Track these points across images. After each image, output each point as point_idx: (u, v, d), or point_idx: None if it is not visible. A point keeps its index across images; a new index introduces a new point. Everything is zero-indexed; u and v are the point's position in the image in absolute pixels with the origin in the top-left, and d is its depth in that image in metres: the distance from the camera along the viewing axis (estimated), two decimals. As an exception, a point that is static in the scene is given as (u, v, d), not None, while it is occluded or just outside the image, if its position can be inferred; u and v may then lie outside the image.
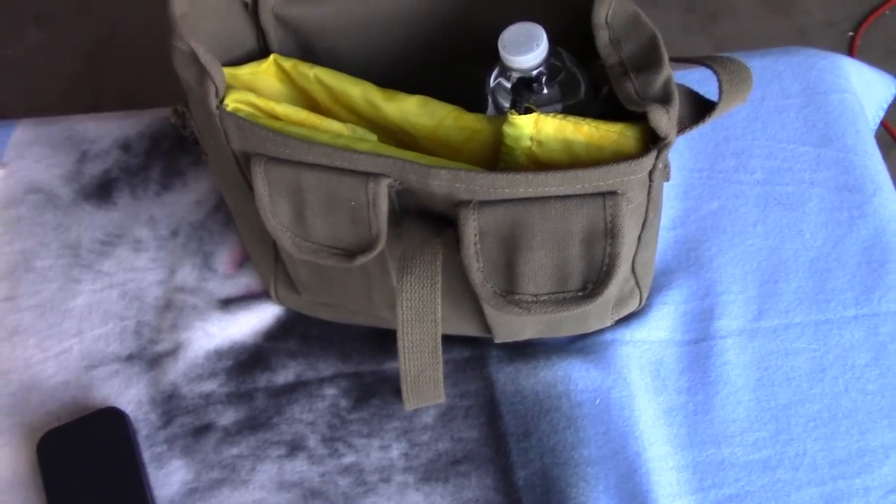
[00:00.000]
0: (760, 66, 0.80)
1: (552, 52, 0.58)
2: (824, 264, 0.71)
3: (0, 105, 1.72)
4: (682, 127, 0.54)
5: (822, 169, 0.75)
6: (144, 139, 0.82)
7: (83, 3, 1.87)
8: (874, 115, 0.84)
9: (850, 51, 1.68)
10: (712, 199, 0.74)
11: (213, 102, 0.57)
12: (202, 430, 0.68)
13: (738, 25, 1.75)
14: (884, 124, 1.55)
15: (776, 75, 0.80)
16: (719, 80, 0.54)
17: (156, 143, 0.82)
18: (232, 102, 0.58)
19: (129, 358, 0.72)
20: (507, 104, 0.60)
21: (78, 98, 1.74)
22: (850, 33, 1.70)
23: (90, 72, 1.77)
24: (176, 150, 0.81)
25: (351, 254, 0.58)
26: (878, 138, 0.81)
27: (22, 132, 0.84)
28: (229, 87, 0.59)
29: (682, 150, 0.77)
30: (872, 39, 1.69)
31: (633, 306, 0.68)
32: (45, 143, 0.83)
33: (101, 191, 0.80)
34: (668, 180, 0.60)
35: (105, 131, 0.83)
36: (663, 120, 0.51)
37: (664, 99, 0.52)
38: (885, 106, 0.86)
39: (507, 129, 0.55)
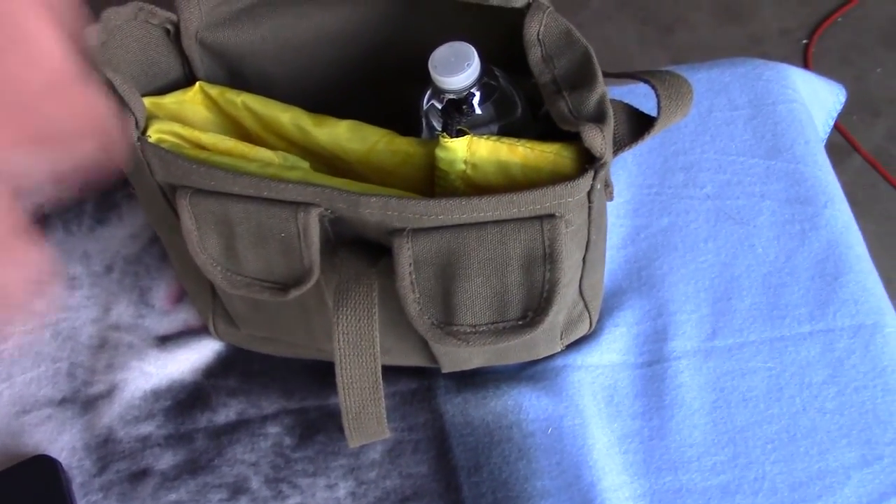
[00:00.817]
0: (707, 78, 0.79)
1: (485, 71, 0.56)
2: (777, 279, 0.69)
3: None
4: (621, 146, 0.52)
5: (773, 181, 0.73)
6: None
7: None
8: (823, 124, 0.83)
9: (805, 58, 1.68)
10: (662, 216, 0.73)
11: (134, 134, 0.54)
12: (139, 476, 0.65)
13: (694, 36, 1.75)
14: (838, 128, 1.55)
15: (723, 87, 0.79)
16: (658, 96, 0.52)
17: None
18: (155, 133, 0.56)
19: (63, 402, 0.69)
20: (439, 126, 0.58)
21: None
22: (805, 41, 1.71)
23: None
24: (110, 183, 0.78)
25: (284, 287, 0.56)
26: (832, 147, 0.79)
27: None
28: (152, 118, 0.57)
29: (630, 167, 0.75)
30: (827, 46, 1.70)
31: (583, 330, 0.66)
32: (-27, 180, 0.79)
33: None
34: (611, 199, 0.58)
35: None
36: (597, 139, 0.49)
37: (598, 117, 0.50)
38: (835, 115, 0.85)
39: (439, 152, 0.53)
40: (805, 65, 1.68)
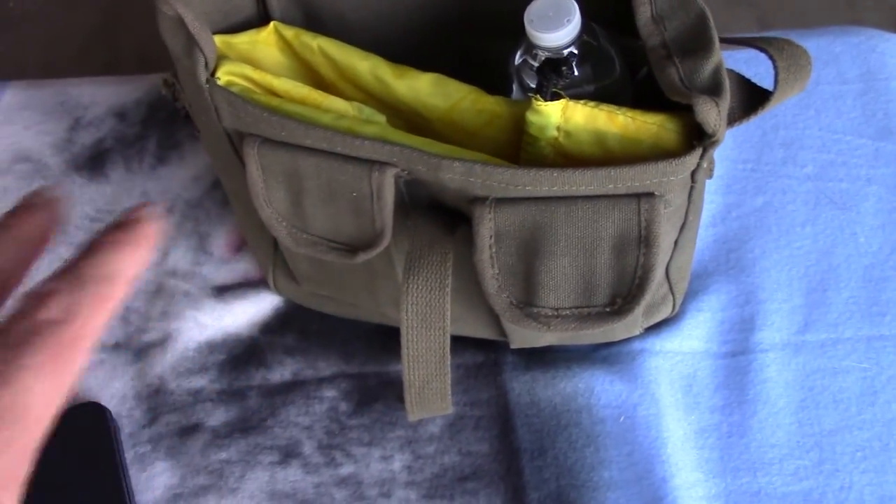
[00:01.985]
0: (815, 46, 0.73)
1: (584, 28, 0.51)
2: (880, 272, 0.64)
3: (14, 61, 1.67)
4: (732, 120, 0.47)
5: (881, 165, 0.67)
6: (141, 107, 0.76)
7: (100, -45, 1.80)
8: (940, 105, 0.76)
9: (903, 27, 1.58)
10: (757, 195, 0.67)
11: (203, 75, 0.51)
12: (189, 431, 0.63)
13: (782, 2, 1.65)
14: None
15: (832, 58, 0.72)
16: (775, 67, 0.47)
17: (153, 111, 0.76)
18: (224, 75, 0.52)
19: (116, 347, 0.66)
20: (533, 84, 0.54)
21: (94, 54, 1.68)
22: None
23: (107, 27, 1.71)
24: (174, 121, 0.75)
25: (352, 249, 0.52)
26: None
27: (12, 95, 0.78)
28: (222, 58, 0.53)
29: (726, 139, 0.69)
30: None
31: (665, 313, 0.61)
32: (36, 108, 0.77)
33: (94, 162, 0.74)
34: (711, 178, 0.53)
35: (100, 97, 0.77)
36: (712, 114, 0.44)
37: (714, 90, 0.45)
38: (952, 95, 0.78)
39: (530, 116, 0.48)
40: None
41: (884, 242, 0.65)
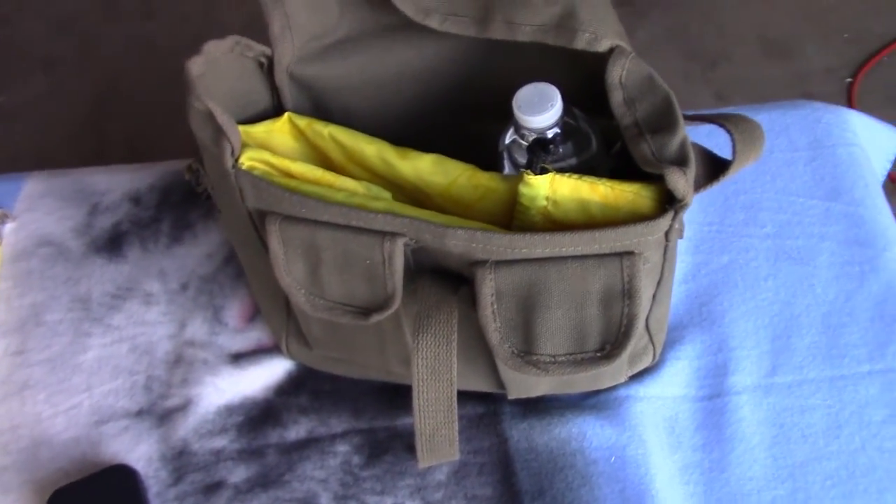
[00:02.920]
0: (768, 119, 0.81)
1: (565, 111, 0.58)
2: (837, 319, 0.71)
3: (7, 151, 1.73)
4: (698, 186, 0.54)
5: (832, 223, 0.75)
6: (155, 192, 0.82)
7: (88, 50, 1.88)
8: (881, 167, 0.84)
9: (849, 97, 1.69)
10: (723, 253, 0.74)
11: (229, 161, 0.57)
12: (213, 488, 0.68)
13: (738, 72, 1.76)
14: (890, 178, 1.56)
15: (783, 128, 0.81)
16: (733, 140, 0.54)
17: (166, 195, 0.82)
18: (247, 161, 0.59)
19: (139, 413, 0.71)
20: (523, 160, 0.61)
21: (83, 145, 1.75)
22: (849, 80, 1.72)
23: (96, 118, 1.78)
24: (186, 203, 0.81)
25: (366, 311, 0.58)
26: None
27: (33, 185, 0.84)
28: (244, 145, 0.60)
29: (693, 204, 0.76)
30: (871, 86, 1.71)
31: (646, 362, 0.68)
32: (55, 196, 0.83)
33: (112, 244, 0.80)
34: (681, 238, 0.60)
35: (115, 184, 0.83)
36: (681, 182, 0.51)
37: (680, 160, 0.52)
38: (892, 158, 0.87)
39: (522, 188, 0.55)
40: (849, 104, 1.69)
41: (839, 292, 0.72)
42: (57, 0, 1.97)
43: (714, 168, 0.55)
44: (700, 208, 0.77)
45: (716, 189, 0.78)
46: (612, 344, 0.54)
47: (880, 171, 0.83)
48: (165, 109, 1.75)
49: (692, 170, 0.51)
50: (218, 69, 0.60)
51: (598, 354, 0.54)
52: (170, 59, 1.82)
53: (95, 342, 0.75)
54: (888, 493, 0.64)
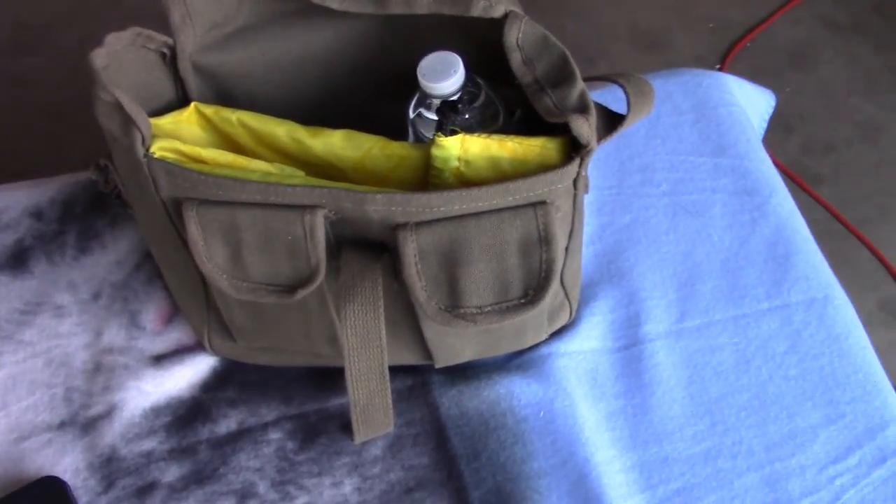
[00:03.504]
0: (652, 87, 0.85)
1: (468, 78, 0.61)
2: (734, 263, 0.75)
3: None
4: (599, 137, 0.57)
5: (721, 176, 0.80)
6: (56, 205, 0.81)
7: (-40, 90, 1.82)
8: (758, 125, 0.90)
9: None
10: (624, 213, 0.78)
11: (141, 150, 0.57)
12: (146, 490, 0.67)
13: (615, 66, 1.84)
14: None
15: (667, 95, 0.85)
16: (627, 94, 0.57)
17: (68, 208, 0.81)
18: (158, 150, 0.59)
19: (62, 426, 0.70)
20: (427, 133, 0.63)
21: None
22: (718, 66, 1.81)
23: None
24: (90, 213, 0.80)
25: (291, 288, 0.59)
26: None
27: (-76, 209, 0.81)
28: (153, 136, 0.60)
29: (591, 170, 0.79)
30: (738, 70, 1.81)
31: (564, 319, 0.70)
32: (-51, 218, 0.80)
33: (15, 260, 0.78)
34: (587, 192, 0.63)
35: (13, 201, 0.81)
36: (584, 127, 0.54)
37: (582, 108, 0.55)
38: (767, 117, 0.93)
39: (435, 151, 0.57)
40: (721, 87, 1.77)
41: (734, 238, 0.76)
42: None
43: (611, 121, 0.58)
44: (599, 174, 0.80)
45: (611, 155, 0.82)
46: (534, 289, 0.56)
47: (758, 128, 0.89)
48: (45, 143, 1.70)
49: (594, 116, 0.54)
50: (120, 61, 0.60)
51: (522, 301, 0.56)
52: (46, 93, 1.78)
53: (7, 360, 0.73)
54: (797, 417, 0.68)
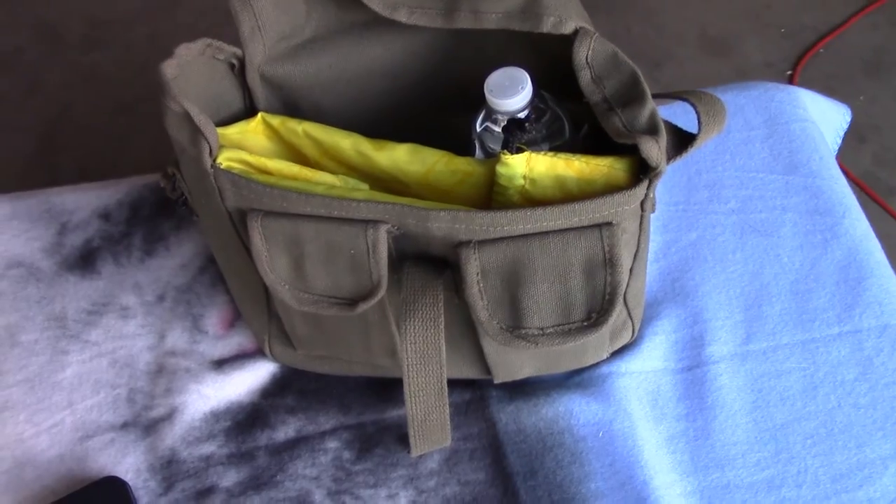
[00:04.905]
0: (722, 101, 0.83)
1: (536, 94, 0.60)
2: (804, 285, 0.73)
3: (-45, 190, 1.69)
4: (668, 157, 0.56)
5: (792, 195, 0.78)
6: (124, 207, 0.82)
7: (34, 84, 1.86)
8: (832, 141, 0.88)
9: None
10: (690, 231, 0.77)
11: (208, 161, 0.58)
12: (205, 494, 0.67)
13: (682, 70, 1.81)
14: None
15: (738, 109, 0.83)
16: (697, 112, 0.56)
17: (135, 210, 0.82)
18: (224, 161, 0.59)
19: (124, 426, 0.71)
20: (494, 148, 0.62)
21: (34, 179, 1.73)
22: (789, 72, 1.77)
23: (45, 152, 1.76)
24: (157, 216, 0.81)
25: (352, 302, 0.59)
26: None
27: (-3, 208, 0.83)
28: (220, 147, 0.60)
29: (658, 186, 0.79)
30: (810, 77, 1.76)
31: (626, 338, 0.69)
32: (23, 217, 0.82)
33: (84, 261, 0.79)
34: (654, 211, 0.62)
35: (83, 202, 0.83)
36: (654, 150, 0.53)
37: (652, 130, 0.54)
38: (842, 133, 0.90)
39: (500, 169, 0.57)
40: (791, 94, 1.73)
41: (804, 259, 0.74)
42: (-4, 37, 1.95)
43: (681, 140, 0.57)
44: (665, 189, 0.79)
45: (678, 171, 0.80)
46: (597, 312, 0.55)
47: (832, 144, 0.86)
48: (114, 137, 1.74)
49: (664, 138, 0.53)
50: (190, 72, 0.60)
51: (585, 324, 0.55)
52: (116, 88, 1.82)
53: (74, 359, 0.74)
54: (866, 447, 0.66)
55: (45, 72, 1.89)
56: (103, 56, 1.90)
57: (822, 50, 1.79)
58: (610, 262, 0.55)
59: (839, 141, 0.89)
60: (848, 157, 1.63)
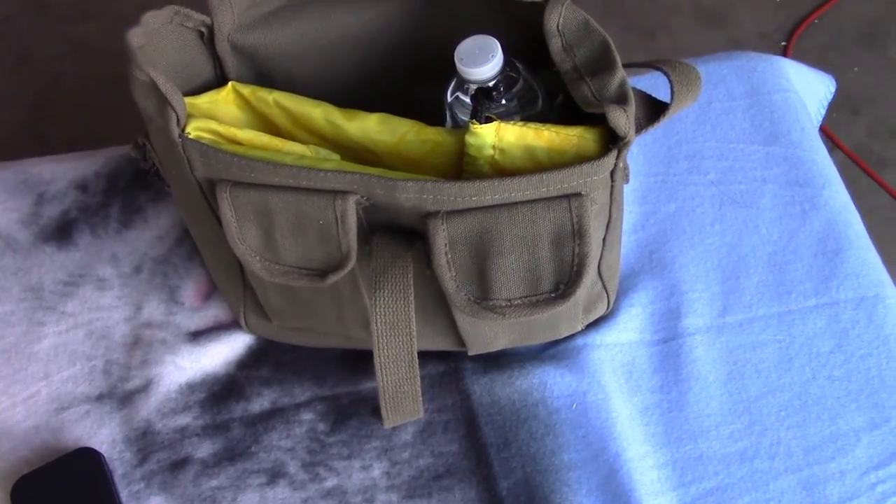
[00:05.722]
0: (705, 70, 0.81)
1: (507, 63, 0.59)
2: (782, 257, 0.73)
3: (-57, 161, 1.69)
4: (639, 127, 0.55)
5: (772, 166, 0.77)
6: (101, 178, 0.82)
7: (22, 54, 1.85)
8: (815, 112, 0.87)
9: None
10: (669, 202, 0.76)
11: (175, 131, 0.57)
12: (179, 465, 0.67)
13: (675, 41, 1.79)
14: (822, 129, 1.60)
15: (721, 79, 0.82)
16: (671, 82, 0.55)
17: (113, 181, 0.81)
18: (193, 130, 0.59)
19: (100, 397, 0.71)
20: (465, 118, 0.62)
21: (22, 149, 1.72)
22: (783, 43, 1.76)
23: (34, 122, 1.75)
24: (134, 187, 0.81)
25: (322, 273, 0.59)
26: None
27: (-26, 179, 0.83)
28: (190, 116, 0.60)
29: (637, 156, 0.78)
30: (804, 48, 1.75)
31: (601, 310, 0.69)
32: (-1, 189, 0.82)
33: (61, 232, 0.79)
34: (627, 182, 0.61)
35: (61, 173, 0.82)
36: (622, 119, 0.52)
37: (621, 99, 0.53)
38: (825, 103, 0.89)
39: (469, 138, 0.56)
40: (785, 66, 1.72)
41: (782, 231, 0.74)
42: (-14, 6, 1.93)
43: (654, 110, 0.56)
44: (645, 160, 0.78)
45: (658, 141, 0.80)
46: (565, 283, 0.55)
47: (815, 115, 0.86)
48: (104, 109, 1.73)
49: (632, 107, 0.53)
50: (158, 40, 0.60)
51: (553, 295, 0.55)
52: (107, 59, 1.80)
53: (50, 330, 0.74)
54: (840, 419, 0.66)
55: (35, 42, 1.88)
56: (93, 27, 1.89)
57: (816, 20, 1.78)
58: (578, 234, 0.54)
59: (823, 111, 0.89)
60: (841, 128, 1.62)
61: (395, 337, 0.58)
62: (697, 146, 0.79)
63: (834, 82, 0.89)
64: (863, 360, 0.68)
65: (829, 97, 0.89)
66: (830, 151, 1.59)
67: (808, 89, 0.85)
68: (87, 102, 1.76)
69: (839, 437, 0.65)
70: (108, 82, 1.76)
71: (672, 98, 0.55)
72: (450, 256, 0.55)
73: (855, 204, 0.77)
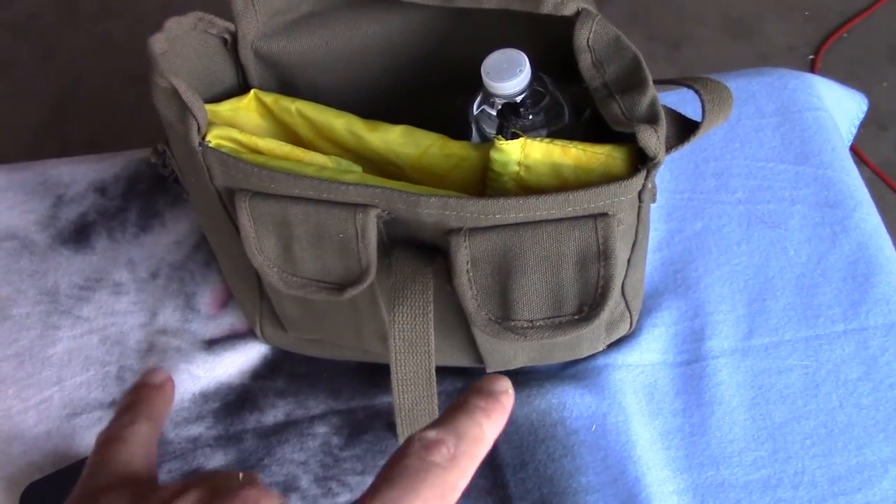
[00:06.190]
0: (734, 86, 0.80)
1: (534, 77, 0.58)
2: (810, 280, 0.71)
3: (-35, 156, 1.69)
4: (669, 147, 0.54)
5: (802, 186, 0.75)
6: (120, 181, 0.81)
7: (48, 52, 1.86)
8: (847, 131, 0.85)
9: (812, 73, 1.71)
10: (696, 220, 0.75)
11: (196, 139, 0.56)
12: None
13: (701, 52, 1.77)
14: (851, 148, 1.58)
15: (750, 95, 0.81)
16: (702, 100, 0.54)
17: (132, 184, 0.81)
18: (214, 139, 0.58)
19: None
20: (491, 132, 0.60)
21: (44, 147, 1.72)
22: (811, 56, 1.74)
23: (56, 120, 1.76)
24: (153, 192, 0.80)
25: (340, 287, 0.58)
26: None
27: (-6, 179, 0.82)
28: (211, 124, 0.59)
29: (663, 173, 0.77)
30: (832, 62, 1.73)
31: (623, 330, 0.68)
32: (18, 189, 0.81)
33: (78, 235, 0.78)
34: (654, 201, 0.60)
35: (80, 175, 0.82)
36: (652, 139, 0.51)
37: (651, 119, 0.52)
38: (857, 122, 0.87)
39: (494, 154, 0.55)
40: (812, 79, 1.70)
41: (811, 254, 0.72)
42: (12, 3, 1.94)
43: (684, 129, 0.55)
44: (672, 176, 0.77)
45: (686, 157, 0.78)
46: (589, 306, 0.53)
47: (846, 134, 0.84)
48: (126, 108, 1.73)
49: (663, 127, 0.51)
50: (181, 47, 0.59)
51: (576, 317, 0.54)
52: (129, 58, 1.80)
53: (65, 334, 0.73)
54: (866, 449, 0.64)
55: (59, 40, 1.88)
56: (116, 26, 1.89)
57: (845, 34, 1.76)
58: (604, 255, 0.53)
59: (854, 131, 0.87)
60: (868, 144, 1.60)
61: (413, 355, 0.57)
62: (725, 163, 0.77)
63: (866, 101, 0.88)
64: (892, 389, 0.66)
65: (861, 116, 0.87)
66: (857, 167, 1.58)
67: (840, 108, 0.83)
68: (108, 101, 1.76)
69: (866, 467, 0.64)
70: (130, 80, 1.77)
71: (703, 117, 0.54)
72: (471, 275, 0.54)
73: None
